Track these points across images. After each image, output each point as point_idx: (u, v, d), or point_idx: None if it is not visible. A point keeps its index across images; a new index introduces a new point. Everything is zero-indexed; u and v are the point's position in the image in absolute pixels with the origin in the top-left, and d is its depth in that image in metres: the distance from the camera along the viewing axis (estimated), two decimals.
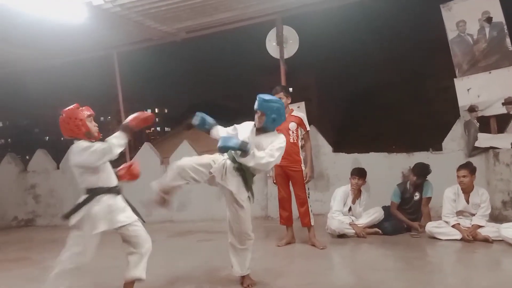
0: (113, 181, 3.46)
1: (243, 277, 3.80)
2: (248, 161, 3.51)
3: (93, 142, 3.32)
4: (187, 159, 3.64)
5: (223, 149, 3.51)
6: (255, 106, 3.72)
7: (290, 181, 5.14)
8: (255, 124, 3.77)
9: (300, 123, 5.06)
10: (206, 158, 3.70)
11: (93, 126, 3.38)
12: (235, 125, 3.93)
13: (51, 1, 5.12)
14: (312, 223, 5.03)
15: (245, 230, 3.68)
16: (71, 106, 3.39)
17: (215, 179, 3.59)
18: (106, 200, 3.34)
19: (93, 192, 3.32)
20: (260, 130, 3.75)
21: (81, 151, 3.27)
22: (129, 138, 3.40)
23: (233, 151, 3.57)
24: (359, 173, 5.54)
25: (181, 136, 11.12)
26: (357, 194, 5.59)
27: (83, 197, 3.33)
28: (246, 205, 3.65)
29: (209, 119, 3.94)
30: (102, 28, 6.43)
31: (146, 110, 4.02)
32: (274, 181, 5.25)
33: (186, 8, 6.05)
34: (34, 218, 8.37)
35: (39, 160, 8.50)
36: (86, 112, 3.37)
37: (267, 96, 3.75)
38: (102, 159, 3.28)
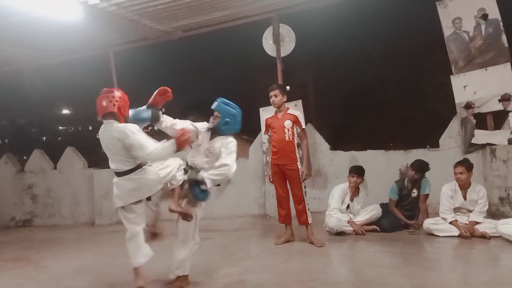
0: None
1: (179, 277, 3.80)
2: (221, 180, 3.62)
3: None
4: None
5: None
6: (213, 106, 3.74)
7: (287, 179, 5.14)
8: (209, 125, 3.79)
9: (295, 121, 5.03)
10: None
11: None
12: (191, 122, 3.84)
13: (47, 0, 5.11)
14: (310, 221, 5.02)
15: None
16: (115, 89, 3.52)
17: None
18: None
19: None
20: (213, 132, 3.75)
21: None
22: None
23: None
24: (358, 171, 5.55)
25: None
26: (355, 191, 5.59)
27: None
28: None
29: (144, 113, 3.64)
30: (98, 27, 6.41)
31: None
32: (271, 180, 5.25)
33: (183, 6, 6.04)
34: (31, 218, 8.35)
35: (36, 160, 8.47)
36: None
37: (227, 101, 3.77)
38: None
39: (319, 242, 4.95)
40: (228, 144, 3.66)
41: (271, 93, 5.06)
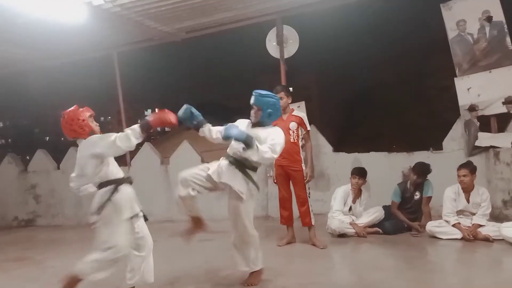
0: (121, 173, 3.52)
1: (249, 274, 3.84)
2: (252, 155, 3.54)
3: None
4: (186, 170, 3.73)
5: (227, 138, 3.53)
6: (252, 101, 3.78)
7: (290, 181, 5.14)
8: (251, 120, 3.83)
9: (300, 123, 5.05)
10: (203, 165, 3.83)
11: (95, 126, 3.48)
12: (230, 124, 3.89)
13: (51, 1, 5.12)
14: (313, 223, 5.03)
15: (246, 226, 3.74)
16: (72, 108, 3.47)
17: (214, 179, 3.64)
18: (125, 188, 3.44)
19: (112, 182, 3.38)
20: (257, 125, 3.80)
21: (98, 140, 3.34)
22: (144, 134, 3.36)
23: (235, 145, 3.61)
24: (360, 173, 5.54)
25: (181, 136, 11.07)
26: (357, 193, 5.59)
27: (105, 189, 3.37)
28: (246, 198, 3.68)
29: (198, 114, 3.73)
30: (102, 28, 6.42)
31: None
32: (275, 181, 5.25)
33: (186, 8, 6.04)
34: (34, 218, 8.37)
35: (40, 160, 8.50)
36: (86, 112, 3.45)
37: (263, 92, 3.82)
38: (121, 149, 3.29)
39: (322, 244, 4.95)
40: (277, 134, 3.71)
41: (277, 95, 5.05)
